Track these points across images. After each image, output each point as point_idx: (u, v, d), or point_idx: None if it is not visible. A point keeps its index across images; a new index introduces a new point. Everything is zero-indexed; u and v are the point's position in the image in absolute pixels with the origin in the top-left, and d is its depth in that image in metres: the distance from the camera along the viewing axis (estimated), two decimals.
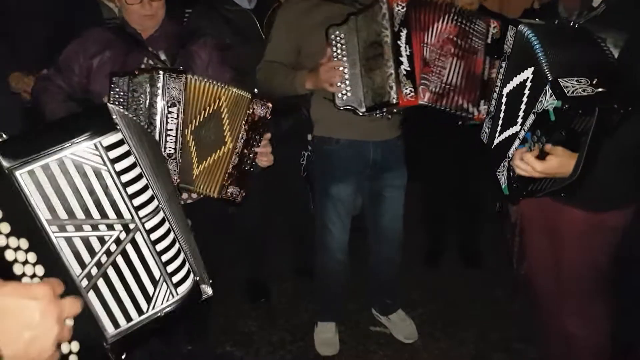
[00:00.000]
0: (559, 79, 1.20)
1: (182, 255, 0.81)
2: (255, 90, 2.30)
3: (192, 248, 0.92)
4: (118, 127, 0.75)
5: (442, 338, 2.47)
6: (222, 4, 2.47)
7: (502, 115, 1.52)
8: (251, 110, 1.63)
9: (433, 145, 2.94)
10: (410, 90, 1.75)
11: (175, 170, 1.57)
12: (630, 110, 1.17)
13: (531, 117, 1.28)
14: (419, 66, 1.76)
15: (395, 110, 1.84)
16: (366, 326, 2.55)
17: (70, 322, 0.67)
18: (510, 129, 1.44)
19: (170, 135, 1.55)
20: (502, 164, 1.47)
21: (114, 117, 0.77)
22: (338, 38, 1.82)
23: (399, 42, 1.74)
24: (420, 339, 2.45)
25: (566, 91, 1.17)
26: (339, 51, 1.82)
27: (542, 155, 1.28)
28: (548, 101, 1.20)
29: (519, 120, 1.39)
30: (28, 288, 0.64)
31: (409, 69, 1.74)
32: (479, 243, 3.16)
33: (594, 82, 1.19)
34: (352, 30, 1.81)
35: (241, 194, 1.68)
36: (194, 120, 1.59)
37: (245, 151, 1.65)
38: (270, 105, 1.65)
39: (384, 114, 1.87)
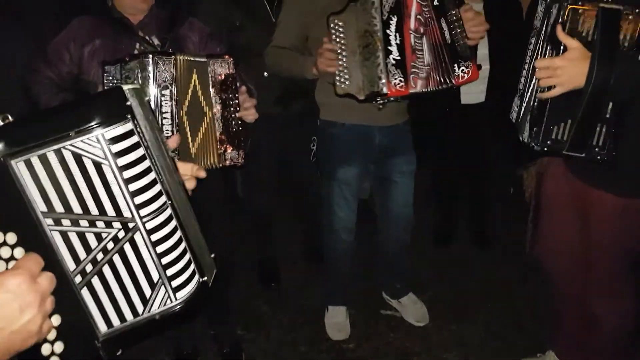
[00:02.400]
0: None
1: (187, 257, 0.77)
2: (265, 73, 2.31)
3: (199, 240, 0.89)
4: (128, 117, 0.70)
5: (452, 320, 2.46)
6: None
7: (530, 87, 1.49)
8: (212, 73, 1.60)
9: (442, 126, 2.90)
10: (400, 80, 1.72)
11: (174, 153, 1.56)
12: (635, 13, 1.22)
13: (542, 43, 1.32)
14: (409, 54, 1.72)
15: (392, 99, 1.81)
16: (377, 309, 2.54)
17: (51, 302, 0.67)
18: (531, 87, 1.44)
19: (166, 118, 1.54)
20: (525, 122, 1.45)
21: (129, 102, 0.72)
22: (337, 26, 1.79)
23: (387, 31, 1.71)
24: (430, 322, 2.44)
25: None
26: (338, 39, 1.79)
27: (557, 47, 1.30)
28: (555, 11, 1.29)
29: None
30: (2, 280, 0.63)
31: (398, 58, 1.71)
32: (489, 224, 3.12)
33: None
34: (351, 18, 1.78)
35: (241, 155, 1.66)
36: (186, 100, 1.58)
37: (226, 113, 1.64)
38: (228, 58, 1.62)
39: (378, 102, 1.84)
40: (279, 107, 2.46)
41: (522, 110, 1.52)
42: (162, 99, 1.53)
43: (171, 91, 1.53)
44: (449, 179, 3.07)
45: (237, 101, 1.64)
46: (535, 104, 1.40)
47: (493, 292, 2.65)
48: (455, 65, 1.76)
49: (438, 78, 1.76)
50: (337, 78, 1.82)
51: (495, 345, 2.30)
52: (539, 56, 1.41)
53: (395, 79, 1.72)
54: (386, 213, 2.31)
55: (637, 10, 1.25)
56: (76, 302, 0.73)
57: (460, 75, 1.75)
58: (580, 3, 1.27)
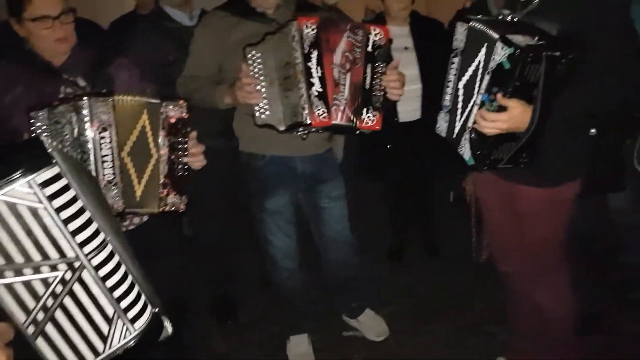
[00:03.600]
0: (507, 36, 1.32)
1: (136, 289, 0.77)
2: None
3: (142, 278, 0.88)
4: (54, 161, 0.71)
5: (415, 332, 2.49)
6: (164, 21, 2.45)
7: (459, 105, 1.58)
8: (164, 115, 1.59)
9: (387, 144, 2.99)
10: (323, 111, 1.75)
11: (118, 196, 1.52)
12: (573, 60, 1.29)
13: (486, 79, 1.37)
14: (331, 87, 1.77)
15: (313, 130, 1.83)
16: (339, 332, 2.54)
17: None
18: (467, 109, 1.52)
19: (106, 161, 1.50)
20: (463, 138, 1.53)
21: (50, 149, 0.73)
22: (255, 57, 1.81)
23: (309, 64, 1.74)
24: (394, 336, 2.46)
25: (515, 42, 1.30)
26: (256, 70, 1.81)
27: (501, 110, 1.37)
28: (500, 54, 1.31)
29: (475, 91, 1.48)
30: None
31: (320, 90, 1.75)
32: (437, 233, 3.23)
33: (536, 38, 1.32)
34: (269, 50, 1.80)
35: (183, 201, 1.63)
36: (128, 141, 1.54)
37: (173, 157, 1.61)
38: (182, 102, 1.60)
39: (301, 133, 1.86)
40: (221, 140, 2.45)
41: (457, 128, 1.60)
42: (102, 141, 1.49)
43: (110, 133, 1.50)
44: (396, 194, 3.15)
45: (185, 146, 1.62)
46: (474, 135, 1.48)
47: (451, 299, 2.72)
48: (365, 109, 1.80)
49: (348, 115, 1.80)
50: (257, 109, 1.82)
51: (458, 352, 2.35)
52: (479, 87, 1.47)
53: (319, 109, 1.75)
54: (322, 239, 2.32)
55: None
56: (34, 354, 0.71)
57: (364, 120, 1.79)
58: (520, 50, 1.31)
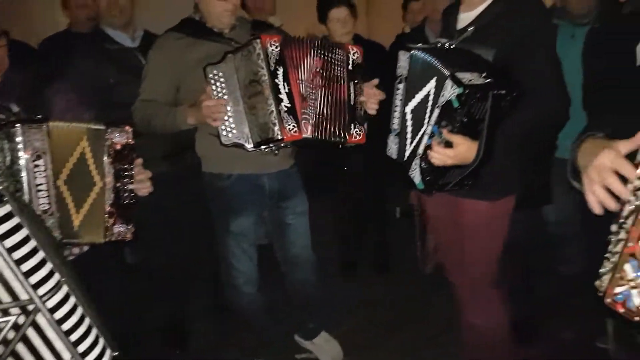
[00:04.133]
0: (456, 73, 1.38)
1: (93, 332, 0.74)
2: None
3: (97, 316, 0.84)
4: (5, 199, 0.68)
5: (370, 348, 2.51)
6: (103, 42, 2.38)
7: (409, 130, 1.64)
8: (109, 141, 1.55)
9: (336, 162, 3.03)
10: (294, 126, 1.79)
11: (55, 226, 1.45)
12: (516, 96, 1.38)
13: (436, 112, 1.43)
14: (299, 102, 1.81)
15: (282, 145, 1.88)
16: (291, 355, 2.51)
17: None
18: (418, 135, 1.58)
19: (41, 190, 1.42)
20: (413, 163, 1.58)
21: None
22: (217, 76, 1.82)
23: (276, 80, 1.78)
24: (347, 356, 2.47)
25: (464, 81, 1.35)
26: (219, 89, 1.82)
27: (448, 145, 1.45)
28: (450, 92, 1.37)
29: (425, 122, 1.53)
30: None
31: (289, 105, 1.79)
32: (389, 248, 3.29)
33: (484, 75, 1.38)
34: (231, 68, 1.82)
35: (130, 230, 1.59)
36: (65, 169, 1.48)
37: (119, 185, 1.57)
38: (128, 128, 1.58)
39: (272, 148, 1.89)
40: (165, 164, 2.39)
41: (407, 152, 1.66)
42: (36, 170, 1.42)
43: (45, 160, 1.43)
44: (347, 214, 3.19)
45: (131, 172, 1.58)
46: (424, 163, 1.55)
47: (404, 313, 2.77)
48: (352, 124, 1.87)
49: (334, 130, 1.84)
50: (222, 128, 1.83)
51: None
52: (429, 118, 1.53)
53: (289, 124, 1.78)
54: (286, 256, 2.31)
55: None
56: None
57: (353, 135, 1.86)
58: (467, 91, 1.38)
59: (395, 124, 1.70)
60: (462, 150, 1.44)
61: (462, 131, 1.43)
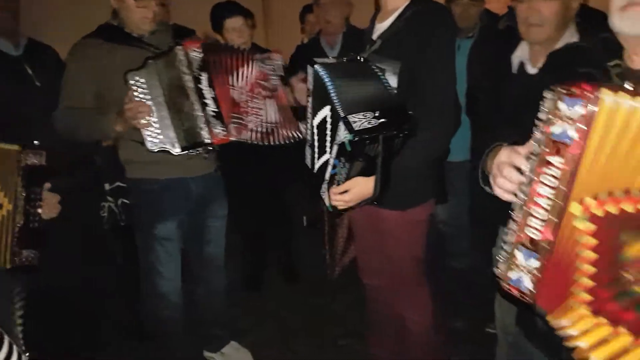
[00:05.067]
0: (349, 116, 1.42)
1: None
2: (36, 142, 2.10)
3: None
4: None
5: (277, 356, 2.54)
6: None
7: (316, 143, 1.70)
8: (24, 163, 1.48)
9: (239, 172, 3.02)
10: (222, 130, 1.85)
11: None
12: (407, 134, 1.46)
13: (335, 148, 1.49)
14: (227, 106, 1.86)
15: (210, 148, 1.93)
16: None
17: None
18: (324, 155, 1.63)
19: None
20: (323, 186, 1.64)
21: None
22: (139, 82, 1.81)
23: (200, 86, 1.82)
24: None
25: (354, 126, 1.40)
26: (141, 95, 1.81)
27: (350, 162, 1.51)
28: (343, 135, 1.42)
29: (327, 149, 1.58)
30: None
31: (216, 110, 1.84)
32: (294, 258, 3.34)
33: (377, 114, 1.44)
34: (152, 74, 1.82)
35: (37, 255, 1.52)
36: None
37: (29, 207, 1.50)
38: (44, 152, 1.54)
39: (200, 152, 1.93)
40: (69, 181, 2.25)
41: (316, 165, 1.70)
42: None
43: None
44: (252, 224, 3.18)
45: (40, 196, 1.50)
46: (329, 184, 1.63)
47: (309, 319, 2.83)
48: (300, 123, 1.96)
49: (287, 133, 1.97)
50: (147, 134, 1.82)
51: None
52: (330, 147, 1.57)
53: (217, 128, 1.85)
54: (200, 258, 2.30)
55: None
56: None
57: (304, 132, 1.91)
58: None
59: (309, 135, 1.75)
60: (358, 191, 1.55)
61: (358, 173, 1.52)
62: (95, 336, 2.66)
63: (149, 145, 1.83)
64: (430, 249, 2.02)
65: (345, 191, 1.56)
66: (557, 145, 0.82)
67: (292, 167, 2.42)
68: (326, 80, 1.51)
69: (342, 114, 1.43)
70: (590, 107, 0.77)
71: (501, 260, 0.91)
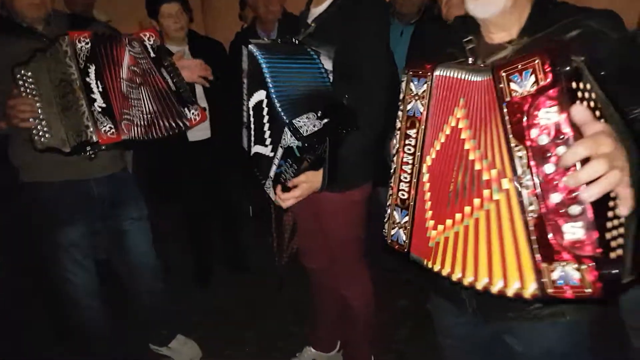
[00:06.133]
0: (294, 121, 1.41)
1: None
2: None
3: None
4: None
5: (225, 348, 2.52)
6: None
7: (252, 126, 1.66)
8: None
9: (176, 167, 2.95)
10: (110, 127, 1.72)
11: None
12: (350, 130, 1.49)
13: (280, 150, 1.48)
14: (117, 102, 1.73)
15: (104, 148, 1.77)
16: None
17: None
18: (262, 145, 1.60)
19: None
20: (267, 182, 1.62)
21: None
22: (25, 77, 1.68)
23: (87, 79, 1.69)
24: (205, 357, 2.46)
25: (302, 131, 1.40)
26: (27, 90, 1.68)
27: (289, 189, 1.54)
28: (290, 140, 1.43)
29: (267, 138, 1.56)
30: None
31: (104, 105, 1.71)
32: (242, 248, 3.32)
33: (319, 114, 1.45)
34: (41, 67, 1.69)
35: None
36: None
37: None
38: None
39: (88, 153, 1.78)
40: None
41: (253, 148, 1.66)
42: None
43: None
44: (196, 216, 3.11)
45: None
46: (275, 173, 1.59)
47: (258, 309, 2.83)
48: (186, 109, 1.77)
49: (169, 124, 1.74)
50: (35, 132, 1.69)
51: (270, 355, 2.47)
52: (269, 143, 1.56)
53: (105, 126, 1.71)
54: (127, 267, 2.18)
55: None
56: None
57: (192, 118, 1.79)
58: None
59: (245, 117, 1.72)
60: (308, 185, 1.53)
61: (306, 167, 1.51)
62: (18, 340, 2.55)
63: (36, 144, 1.70)
64: (374, 230, 2.07)
65: (295, 186, 1.54)
66: (411, 120, 1.00)
67: (233, 158, 2.36)
68: (261, 61, 1.48)
69: (286, 120, 1.42)
70: (429, 82, 0.96)
71: (385, 221, 1.05)
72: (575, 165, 0.71)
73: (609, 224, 0.73)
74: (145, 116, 1.74)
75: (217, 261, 3.25)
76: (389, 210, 1.04)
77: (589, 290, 0.72)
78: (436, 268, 0.94)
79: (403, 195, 1.01)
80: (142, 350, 2.46)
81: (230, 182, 3.12)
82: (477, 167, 0.87)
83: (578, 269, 0.73)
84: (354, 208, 1.87)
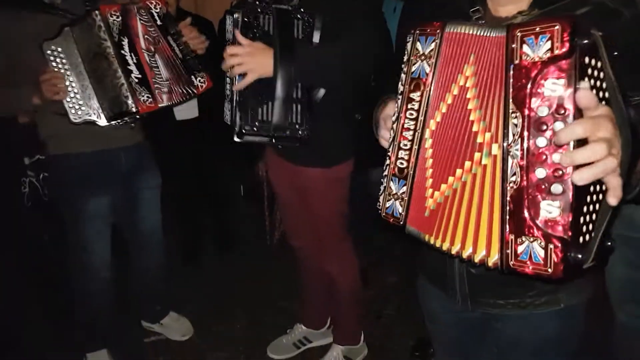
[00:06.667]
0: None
1: None
2: None
3: None
4: None
5: (215, 326, 2.56)
6: None
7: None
8: None
9: (168, 144, 2.94)
10: (148, 97, 1.78)
11: None
12: (308, 20, 1.54)
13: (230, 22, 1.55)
14: (149, 72, 1.79)
15: (138, 117, 1.83)
16: (139, 341, 2.45)
17: None
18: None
19: None
20: (234, 112, 1.60)
21: None
22: (55, 52, 1.71)
23: (122, 52, 1.74)
24: (196, 333, 2.49)
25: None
26: (59, 65, 1.72)
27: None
28: (237, 15, 1.51)
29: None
30: None
31: (140, 76, 1.77)
32: (232, 227, 3.34)
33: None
34: (70, 42, 1.73)
35: None
36: None
37: None
38: None
39: (127, 122, 1.84)
40: None
41: (232, 109, 1.67)
42: None
43: None
44: (185, 195, 3.11)
45: None
46: (237, 97, 1.58)
47: (248, 285, 2.87)
48: (192, 76, 1.86)
49: (181, 90, 1.84)
50: (70, 106, 1.73)
51: (259, 329, 2.51)
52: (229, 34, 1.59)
53: (143, 96, 1.76)
54: (136, 230, 2.23)
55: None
56: None
57: (199, 86, 1.86)
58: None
59: (227, 89, 1.71)
60: (253, 61, 1.51)
61: (253, 37, 1.53)
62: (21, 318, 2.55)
63: (72, 117, 1.74)
64: (363, 208, 2.10)
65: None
66: (415, 82, 0.93)
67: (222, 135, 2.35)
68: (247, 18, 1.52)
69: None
70: (437, 41, 0.89)
71: (380, 193, 0.99)
72: (568, 144, 0.68)
73: (585, 209, 0.71)
74: (164, 83, 1.82)
75: (207, 239, 3.28)
76: (384, 182, 0.98)
77: (550, 270, 0.70)
78: (432, 241, 0.89)
79: (402, 164, 0.94)
80: (132, 324, 2.49)
81: (219, 161, 3.12)
82: (475, 128, 0.83)
83: (544, 248, 0.71)
84: (338, 184, 1.90)
